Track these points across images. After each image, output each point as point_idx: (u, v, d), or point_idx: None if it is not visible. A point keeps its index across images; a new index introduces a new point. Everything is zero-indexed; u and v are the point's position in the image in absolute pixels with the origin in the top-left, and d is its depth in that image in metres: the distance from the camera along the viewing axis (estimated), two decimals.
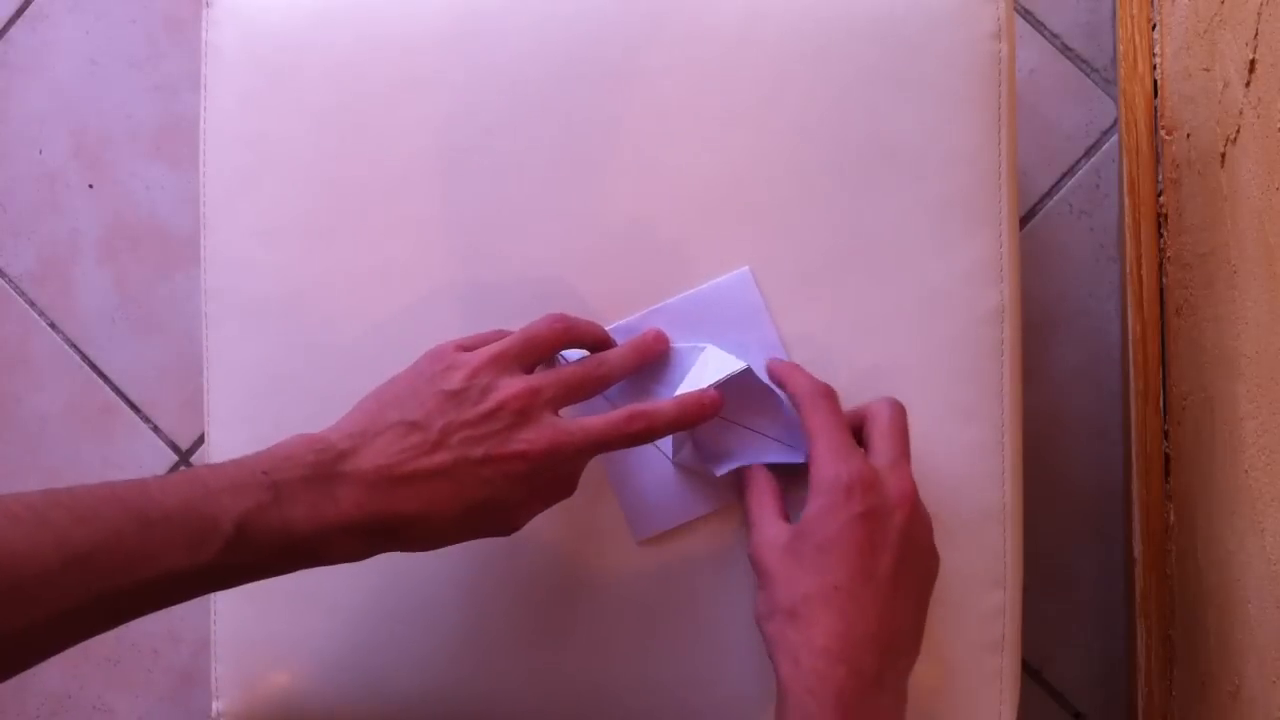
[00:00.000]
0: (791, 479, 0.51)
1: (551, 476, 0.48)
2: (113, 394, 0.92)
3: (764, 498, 0.50)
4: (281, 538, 0.43)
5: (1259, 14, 0.56)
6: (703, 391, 0.49)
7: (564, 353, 0.53)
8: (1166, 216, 0.75)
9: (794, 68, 0.54)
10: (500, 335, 0.50)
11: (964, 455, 0.54)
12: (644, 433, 0.48)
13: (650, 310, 0.55)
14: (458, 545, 0.47)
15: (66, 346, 0.93)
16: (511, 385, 0.47)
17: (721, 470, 0.52)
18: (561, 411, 0.48)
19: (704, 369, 0.52)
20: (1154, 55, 0.78)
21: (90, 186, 0.92)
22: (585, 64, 0.56)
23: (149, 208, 0.92)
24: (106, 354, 0.92)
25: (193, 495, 0.42)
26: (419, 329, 0.55)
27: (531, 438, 0.46)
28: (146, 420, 0.92)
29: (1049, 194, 0.82)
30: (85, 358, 0.92)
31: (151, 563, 0.40)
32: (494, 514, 0.47)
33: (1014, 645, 0.54)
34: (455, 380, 0.47)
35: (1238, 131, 0.59)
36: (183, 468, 0.91)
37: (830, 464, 0.47)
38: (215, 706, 0.58)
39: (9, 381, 0.93)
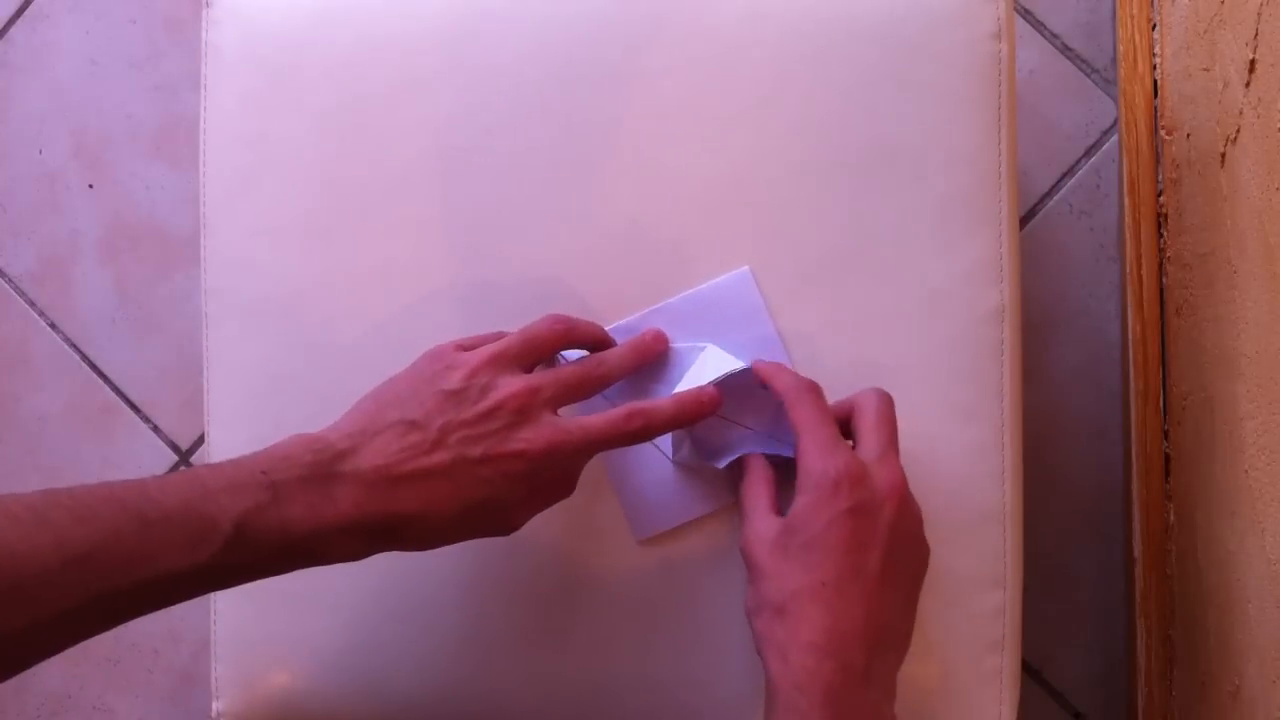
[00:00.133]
0: (788, 472, 0.51)
1: (551, 476, 0.48)
2: (113, 394, 0.92)
3: (759, 488, 0.50)
4: (280, 537, 0.43)
5: (1259, 14, 0.56)
6: (701, 389, 0.49)
7: (564, 353, 0.53)
8: (1166, 216, 0.75)
9: (794, 68, 0.54)
10: (500, 336, 0.50)
11: (964, 455, 0.54)
12: (643, 431, 0.48)
13: (650, 310, 0.55)
14: (457, 545, 0.47)
15: (66, 346, 0.93)
16: (510, 385, 0.47)
17: (722, 463, 0.52)
18: (561, 411, 0.48)
19: (703, 368, 0.52)
20: (1154, 55, 0.77)
21: (90, 186, 0.92)
22: (585, 64, 0.56)
23: (149, 208, 0.92)
24: (106, 354, 0.92)
25: (191, 495, 0.42)
26: (419, 329, 0.55)
27: (530, 437, 0.46)
28: (146, 420, 0.92)
29: (1049, 194, 0.82)
30: (85, 358, 0.92)
31: (150, 563, 0.40)
32: (493, 513, 0.47)
33: (1014, 645, 0.54)
34: (454, 380, 0.47)
35: (1238, 131, 0.59)
36: (183, 468, 0.91)
37: (817, 459, 0.46)
38: (215, 706, 0.58)
39: (9, 381, 0.93)
